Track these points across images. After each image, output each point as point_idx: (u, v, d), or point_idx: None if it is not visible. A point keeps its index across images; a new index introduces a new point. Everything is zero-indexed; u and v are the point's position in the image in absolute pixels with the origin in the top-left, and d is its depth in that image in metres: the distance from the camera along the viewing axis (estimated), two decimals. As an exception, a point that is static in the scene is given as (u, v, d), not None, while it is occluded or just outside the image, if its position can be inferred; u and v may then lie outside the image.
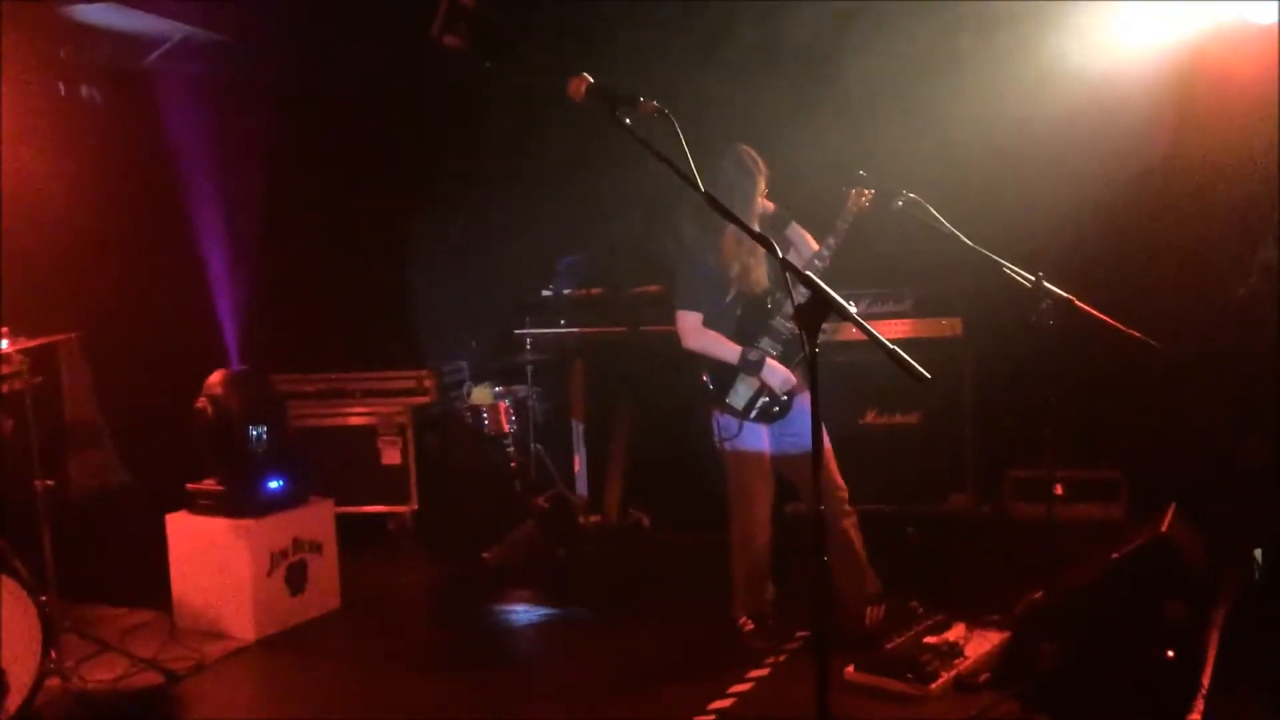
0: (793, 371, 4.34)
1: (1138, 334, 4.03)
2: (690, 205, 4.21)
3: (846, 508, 4.46)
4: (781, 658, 4.39)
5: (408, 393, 6.64)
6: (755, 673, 4.27)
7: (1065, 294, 4.07)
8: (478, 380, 6.68)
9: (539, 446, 6.47)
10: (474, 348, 6.93)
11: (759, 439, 4.40)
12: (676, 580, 5.55)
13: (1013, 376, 5.41)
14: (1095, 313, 4.09)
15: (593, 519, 6.32)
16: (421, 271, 6.97)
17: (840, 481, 4.46)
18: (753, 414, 4.36)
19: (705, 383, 4.38)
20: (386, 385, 6.69)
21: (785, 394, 4.35)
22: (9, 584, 3.97)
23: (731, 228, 4.14)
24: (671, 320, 4.47)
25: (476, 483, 6.45)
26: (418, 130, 6.91)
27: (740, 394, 4.35)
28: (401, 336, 6.89)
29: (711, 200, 2.51)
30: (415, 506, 6.46)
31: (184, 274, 6.27)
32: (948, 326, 5.96)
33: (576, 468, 6.53)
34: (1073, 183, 5.42)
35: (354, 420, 6.53)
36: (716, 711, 3.97)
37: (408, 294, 7.00)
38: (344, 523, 5.49)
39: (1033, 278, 4.10)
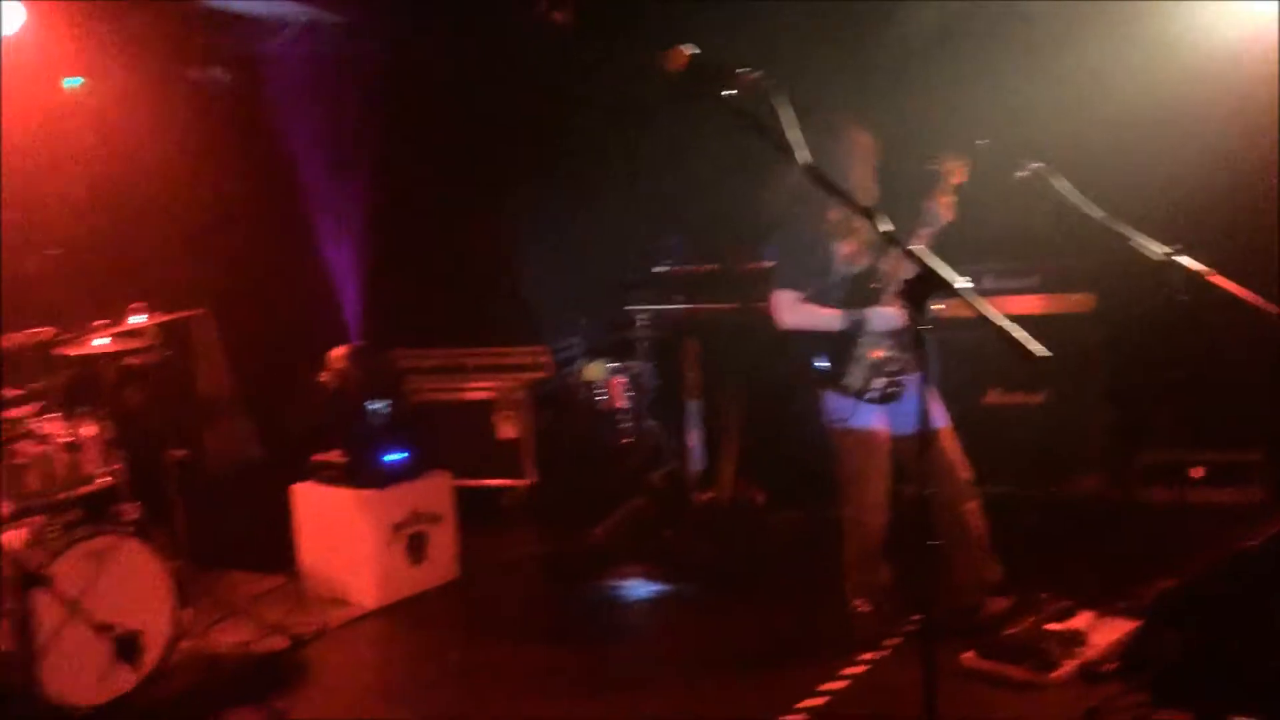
0: (904, 354, 4.18)
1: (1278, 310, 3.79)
2: (792, 179, 4.10)
3: (970, 491, 4.30)
4: (898, 641, 4.29)
5: (524, 368, 6.71)
6: (870, 655, 4.19)
7: (1203, 267, 3.85)
8: (592, 356, 6.71)
9: (652, 423, 6.47)
10: (587, 324, 6.96)
11: (873, 418, 4.26)
12: (790, 559, 5.48)
13: (1147, 355, 5.18)
14: (1234, 287, 3.86)
15: (705, 496, 6.29)
16: (536, 248, 7.03)
17: (964, 464, 4.30)
18: (868, 395, 4.21)
19: (817, 364, 4.27)
20: (503, 361, 6.78)
21: (902, 373, 4.19)
22: (144, 549, 4.16)
23: (832, 201, 4.02)
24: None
25: (590, 458, 6.49)
26: (533, 106, 6.95)
27: (856, 375, 4.18)
28: (518, 313, 6.96)
29: (813, 172, 2.44)
30: (531, 481, 6.53)
31: (309, 251, 6.47)
32: (1078, 302, 5.71)
33: (690, 444, 6.50)
34: (1205, 154, 5.13)
35: (471, 395, 6.64)
36: (829, 693, 3.92)
37: (523, 270, 7.06)
38: (461, 496, 5.58)
39: (1168, 250, 3.88)
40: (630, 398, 6.43)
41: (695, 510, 6.19)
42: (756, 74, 2.53)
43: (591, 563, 5.65)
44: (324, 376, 5.26)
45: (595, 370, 6.45)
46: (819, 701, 3.88)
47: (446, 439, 6.14)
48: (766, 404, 6.18)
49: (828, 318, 4.17)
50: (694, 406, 6.49)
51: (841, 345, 4.18)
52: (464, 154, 6.83)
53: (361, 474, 5.17)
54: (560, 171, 6.86)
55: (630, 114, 6.58)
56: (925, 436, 2.39)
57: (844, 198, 2.52)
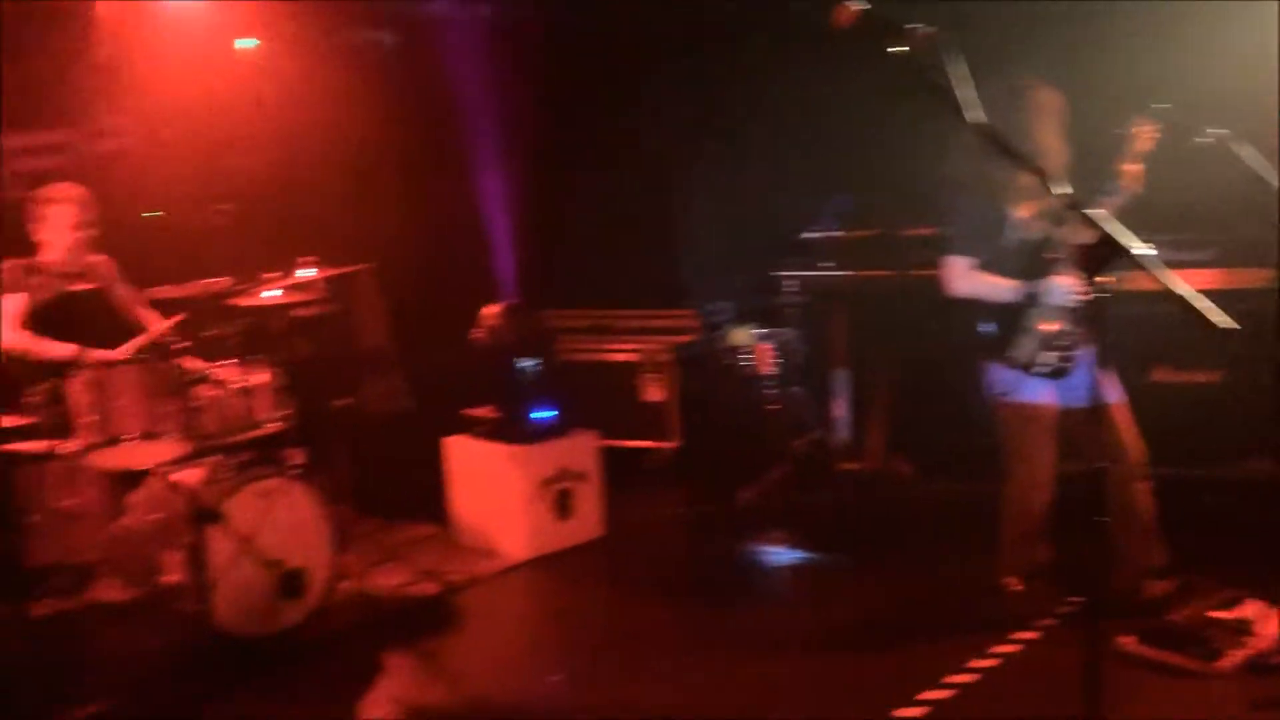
0: (1076, 328, 4.01)
1: None
2: (968, 141, 3.96)
3: (1140, 471, 4.11)
4: (1051, 623, 4.17)
5: (671, 331, 6.73)
6: (1022, 635, 4.08)
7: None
8: (740, 321, 6.67)
9: (799, 390, 6.40)
10: (737, 288, 6.92)
11: (1040, 391, 4.08)
12: (938, 532, 5.37)
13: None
14: None
15: (852, 465, 6.21)
16: (687, 211, 7.01)
17: (1137, 443, 4.09)
18: (1036, 369, 4.03)
19: (985, 332, 4.12)
20: (651, 323, 6.80)
21: (1073, 347, 4.02)
22: (308, 492, 4.35)
23: (1014, 166, 3.87)
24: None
25: (735, 423, 6.47)
26: (688, 67, 6.92)
27: (1026, 348, 4.02)
28: (667, 275, 6.97)
29: (985, 131, 2.36)
30: (675, 444, 6.56)
31: (467, 210, 6.60)
32: (1257, 277, 5.37)
33: (837, 413, 6.42)
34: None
35: (618, 356, 6.69)
36: (981, 670, 3.84)
37: (674, 233, 7.06)
38: (606, 456, 5.65)
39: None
40: (777, 364, 6.39)
41: (840, 480, 6.12)
42: (928, 30, 2.45)
43: (734, 527, 5.65)
44: (478, 333, 5.37)
45: (742, 335, 6.41)
46: (967, 678, 3.80)
47: (593, 399, 6.20)
48: (918, 374, 6.05)
49: (1001, 288, 4.03)
50: (842, 375, 6.40)
51: (1011, 315, 4.04)
52: (622, 114, 6.85)
53: (512, 430, 5.29)
54: (718, 132, 6.81)
55: (793, 72, 6.47)
56: (1096, 411, 2.28)
57: (1019, 159, 2.41)
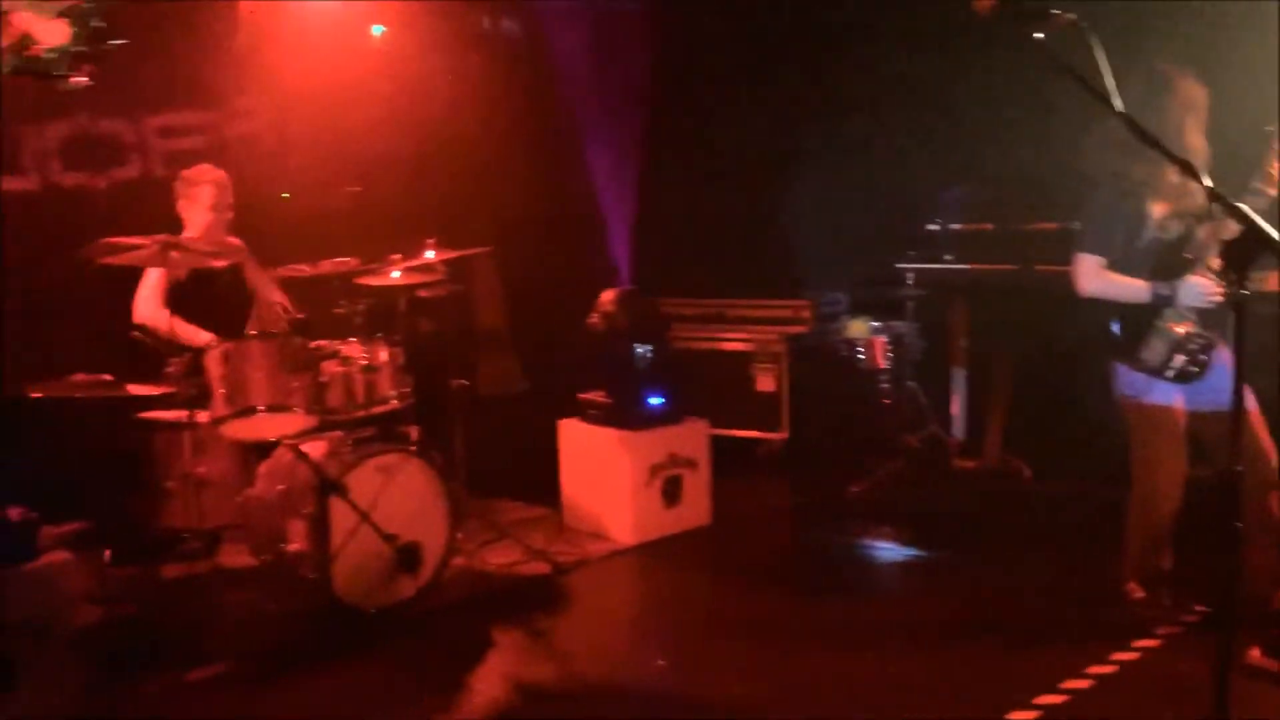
0: (1210, 330, 3.86)
1: None
2: (1103, 133, 3.84)
3: (1275, 478, 3.94)
4: (1175, 630, 4.04)
5: (784, 321, 6.69)
6: (1143, 642, 3.96)
7: None
8: (855, 313, 6.61)
9: (914, 384, 6.31)
10: (853, 280, 6.85)
11: (1170, 393, 3.93)
12: (1057, 535, 5.23)
13: None
14: None
15: (967, 463, 6.10)
16: (803, 201, 6.95)
17: (1271, 448, 3.92)
18: (1167, 373, 3.88)
19: (1114, 332, 3.99)
20: (764, 313, 6.78)
21: (1204, 350, 3.86)
22: (426, 469, 4.46)
23: (1154, 158, 3.72)
24: (1068, 260, 4.12)
25: (847, 416, 6.42)
26: (803, 55, 6.86)
27: (1156, 349, 3.86)
28: (781, 265, 6.94)
29: (1132, 123, 2.29)
30: (786, 435, 6.53)
31: (583, 198, 6.66)
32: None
33: (953, 409, 6.31)
34: None
35: (731, 346, 6.68)
36: (1096, 676, 3.74)
37: (791, 223, 7.01)
38: (716, 444, 5.64)
39: None
40: (892, 358, 6.31)
41: (955, 477, 6.02)
42: (1071, 16, 2.38)
43: (844, 520, 5.61)
44: (593, 318, 5.43)
45: (858, 327, 6.35)
46: (1083, 684, 3.70)
47: (705, 387, 6.22)
48: (1040, 372, 5.90)
49: (1133, 289, 3.87)
50: (960, 371, 6.29)
51: (1142, 315, 3.89)
52: (741, 102, 6.83)
53: (624, 415, 5.33)
54: (838, 120, 6.73)
55: (917, 60, 6.37)
56: (1229, 415, 2.20)
57: (1164, 152, 2.33)
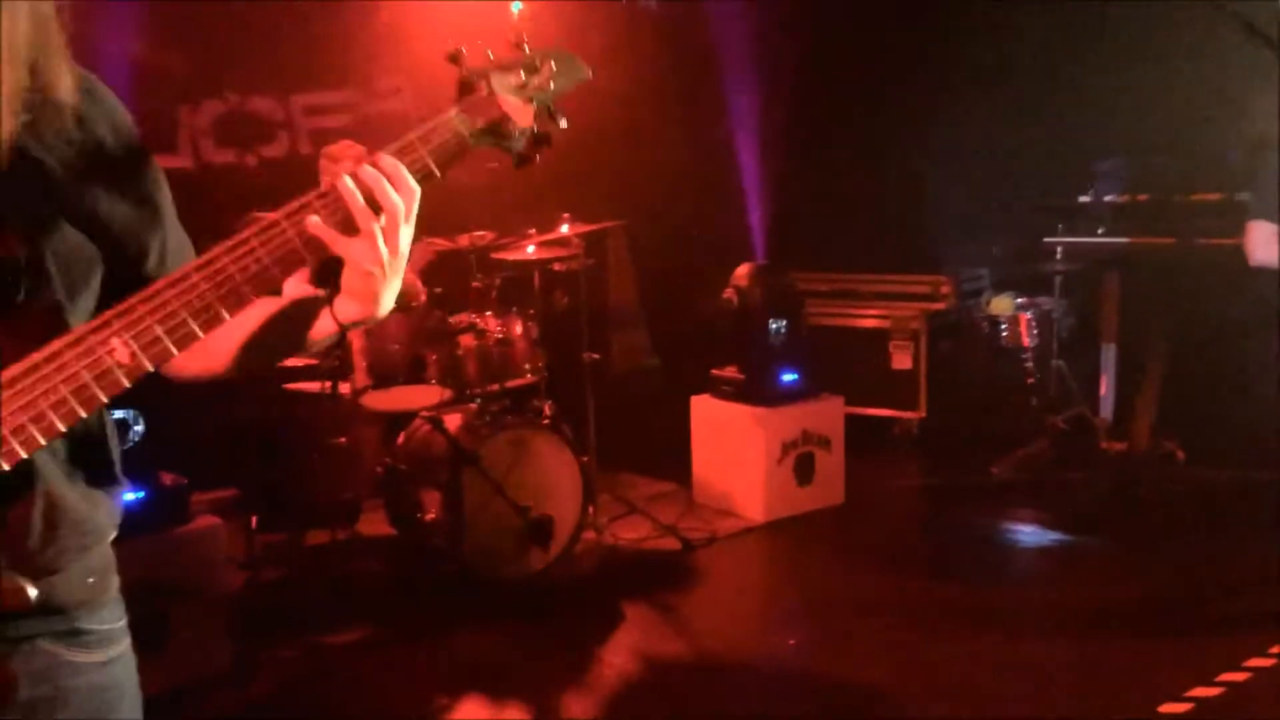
0: None
1: None
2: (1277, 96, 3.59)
3: None
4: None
5: (923, 298, 6.50)
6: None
7: None
8: (999, 289, 6.37)
9: (1061, 363, 6.05)
10: (997, 254, 6.59)
11: None
12: (1208, 521, 4.97)
13: None
14: None
15: (1116, 446, 5.82)
16: (946, 173, 6.73)
17: None
18: None
19: None
20: (902, 289, 6.60)
21: None
22: (558, 443, 4.48)
23: None
24: (1232, 232, 3.89)
25: (989, 395, 6.20)
26: (946, 24, 6.62)
27: None
28: (921, 239, 6.73)
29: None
30: (923, 414, 6.36)
31: (718, 172, 6.58)
32: None
33: (1103, 389, 6.02)
34: None
35: (867, 322, 6.53)
36: (1255, 669, 3.53)
37: (931, 196, 6.80)
38: (850, 422, 5.53)
39: None
40: (1037, 335, 6.06)
41: (1103, 460, 5.76)
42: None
43: (982, 502, 5.43)
44: (728, 293, 5.36)
45: (1002, 304, 6.12)
46: (1239, 677, 3.50)
47: (840, 364, 6.08)
48: (1196, 352, 5.59)
49: None
50: (1110, 349, 6.00)
51: None
52: (877, 75, 6.64)
53: (757, 391, 5.26)
54: (981, 91, 6.48)
55: (1073, 22, 6.07)
56: None
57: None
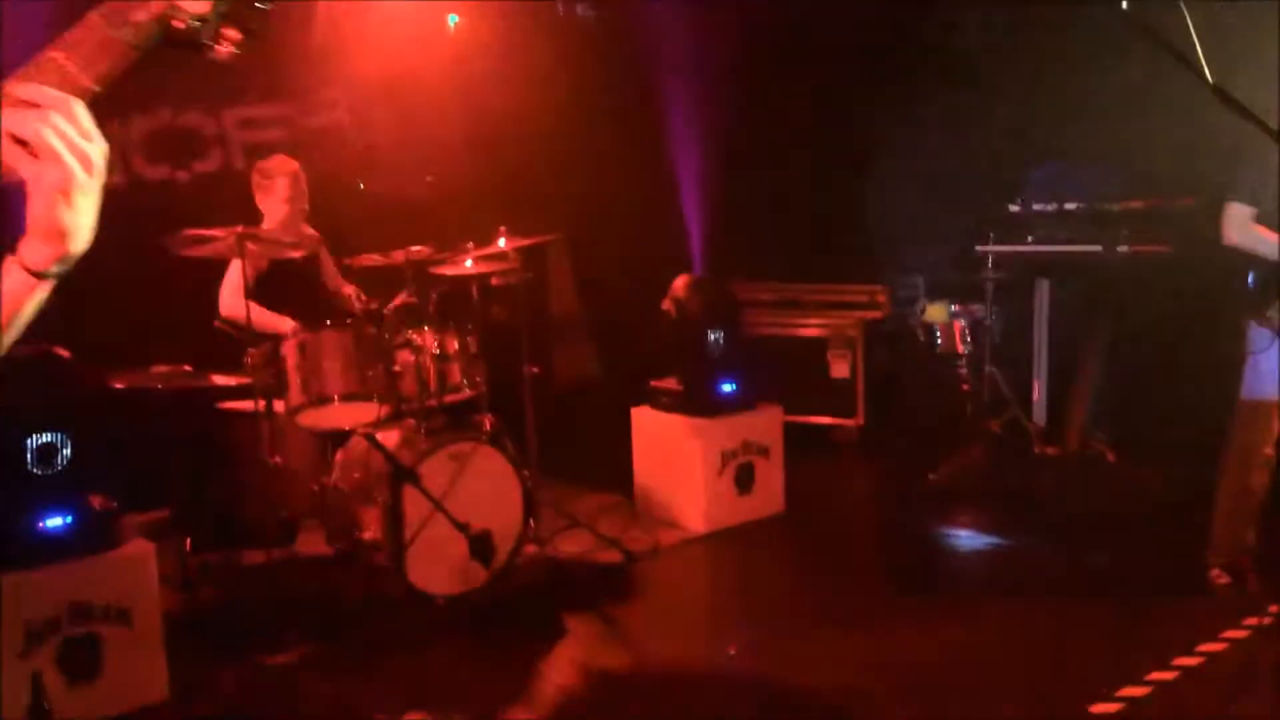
0: None
1: None
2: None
3: None
4: (1265, 621, 3.89)
5: (860, 306, 6.59)
6: (1230, 633, 3.83)
7: None
8: (933, 297, 6.47)
9: (994, 369, 6.16)
10: (931, 263, 6.70)
11: (1271, 385, 3.91)
12: (1141, 518, 5.08)
13: None
14: None
15: (1050, 449, 5.94)
16: (878, 183, 6.83)
17: None
18: None
19: (1248, 286, 3.93)
20: (839, 298, 6.69)
21: None
22: (499, 457, 4.47)
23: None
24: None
25: (925, 402, 6.30)
26: (880, 37, 6.72)
27: None
28: (856, 250, 6.82)
29: (1223, 95, 2.17)
30: (861, 421, 6.43)
31: (656, 183, 6.62)
32: None
33: (1035, 394, 6.15)
34: None
35: (805, 331, 6.60)
36: (1180, 668, 3.62)
37: (864, 206, 6.90)
38: (790, 431, 5.57)
39: None
40: (971, 342, 6.17)
41: (1037, 463, 5.87)
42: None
43: (922, 507, 5.51)
44: (666, 304, 5.39)
45: (936, 312, 6.22)
46: (1168, 675, 3.58)
47: (779, 373, 6.13)
48: (1125, 354, 5.73)
49: (1276, 247, 3.87)
50: (1042, 355, 6.13)
51: (1272, 276, 3.87)
52: (813, 88, 6.72)
53: (696, 401, 5.28)
54: (916, 102, 6.59)
55: (1001, 36, 6.19)
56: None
57: (1257, 122, 2.22)
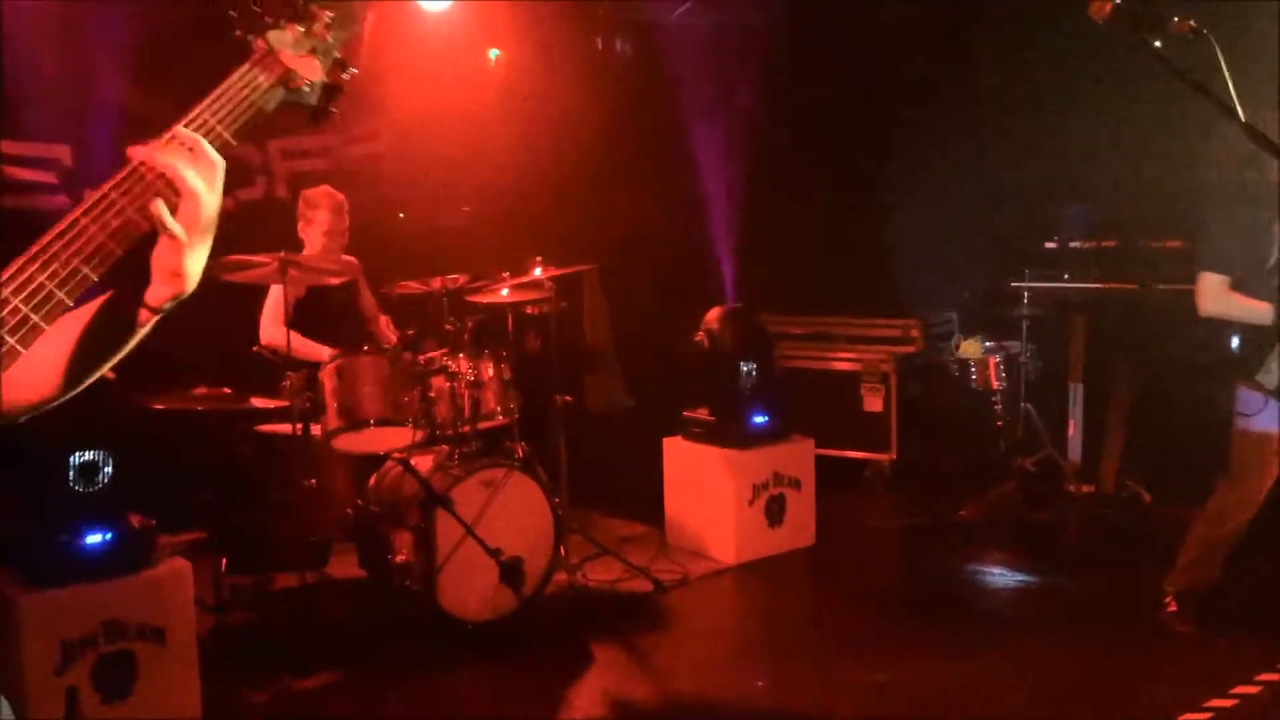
0: None
1: None
2: (1228, 145, 3.70)
3: None
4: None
5: (893, 341, 6.59)
6: (1265, 676, 3.76)
7: None
8: (968, 333, 6.46)
9: (1029, 406, 6.13)
10: (966, 299, 6.69)
11: (1274, 419, 3.86)
12: (1174, 560, 5.00)
13: None
14: None
15: (1084, 488, 5.89)
16: (915, 218, 6.84)
17: None
18: None
19: (1232, 350, 3.87)
20: (873, 332, 6.68)
21: None
22: (531, 485, 4.49)
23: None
24: (1193, 278, 3.99)
25: (958, 438, 6.27)
26: (916, 73, 6.75)
27: (1275, 372, 3.80)
28: (891, 284, 6.83)
29: (1255, 134, 2.18)
30: (894, 455, 6.41)
31: (690, 216, 6.67)
32: None
33: (1070, 432, 6.10)
34: None
35: (838, 365, 6.60)
36: (1213, 709, 3.57)
37: (900, 241, 6.91)
38: (821, 464, 5.57)
39: None
40: (1005, 378, 6.14)
41: (1070, 501, 5.82)
42: (1191, 22, 2.28)
43: (954, 543, 5.47)
44: (698, 336, 5.41)
45: (970, 347, 6.20)
46: (1199, 718, 3.53)
47: (811, 406, 6.14)
48: (1160, 394, 5.68)
49: (1258, 311, 3.79)
50: (1076, 392, 6.09)
51: (1263, 336, 3.78)
52: (846, 121, 6.76)
53: (728, 433, 5.29)
54: (954, 137, 6.60)
55: (1038, 72, 6.20)
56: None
57: (1289, 159, 2.22)
